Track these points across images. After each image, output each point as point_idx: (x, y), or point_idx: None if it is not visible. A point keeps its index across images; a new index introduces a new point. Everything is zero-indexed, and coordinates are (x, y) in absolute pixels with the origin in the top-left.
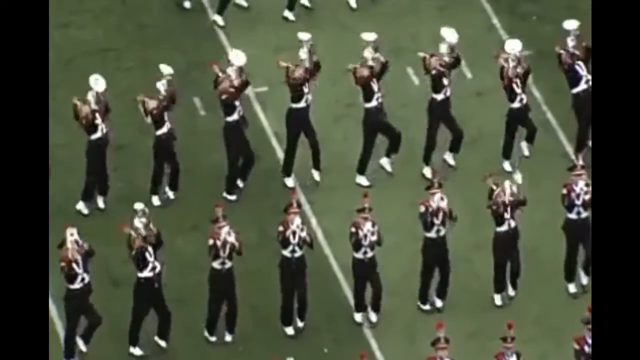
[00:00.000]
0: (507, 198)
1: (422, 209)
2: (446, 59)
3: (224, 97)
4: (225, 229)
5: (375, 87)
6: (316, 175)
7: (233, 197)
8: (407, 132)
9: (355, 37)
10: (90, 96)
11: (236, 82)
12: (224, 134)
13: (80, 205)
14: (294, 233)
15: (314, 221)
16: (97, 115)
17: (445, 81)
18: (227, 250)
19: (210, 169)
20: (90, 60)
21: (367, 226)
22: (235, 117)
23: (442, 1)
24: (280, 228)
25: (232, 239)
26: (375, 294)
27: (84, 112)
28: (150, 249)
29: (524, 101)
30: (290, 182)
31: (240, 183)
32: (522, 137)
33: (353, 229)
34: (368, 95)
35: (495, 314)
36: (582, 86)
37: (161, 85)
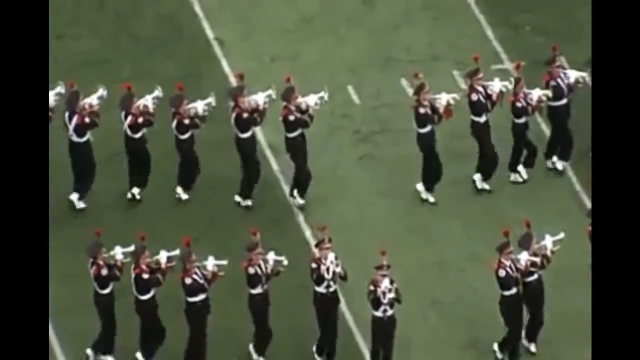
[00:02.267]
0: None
1: (314, 265)
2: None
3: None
4: (331, 256)
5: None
6: (299, 199)
7: (249, 202)
8: (400, 146)
9: (350, 48)
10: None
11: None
12: (241, 147)
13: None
14: (328, 269)
15: (308, 233)
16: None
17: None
18: (331, 275)
19: (206, 178)
20: (86, 71)
21: (385, 283)
22: (250, 133)
23: (437, 11)
24: (314, 265)
25: (337, 268)
26: (386, 357)
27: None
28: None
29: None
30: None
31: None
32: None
33: (371, 287)
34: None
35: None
36: (563, 101)
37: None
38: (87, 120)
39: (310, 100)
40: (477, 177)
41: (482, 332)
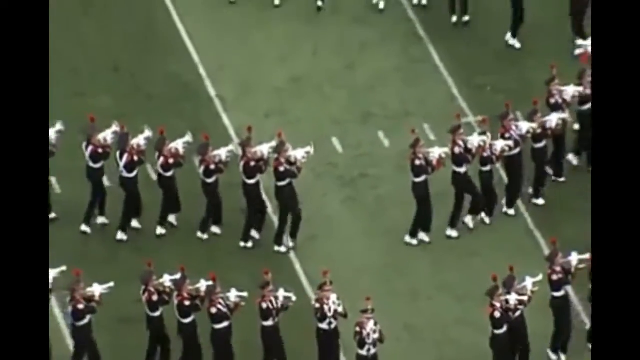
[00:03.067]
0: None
1: (317, 305)
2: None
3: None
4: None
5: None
6: (291, 242)
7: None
8: (378, 190)
9: (333, 104)
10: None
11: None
12: (248, 192)
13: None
14: (330, 309)
15: (298, 267)
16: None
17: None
18: (333, 313)
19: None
20: (104, 125)
21: (370, 325)
22: (256, 179)
23: (409, 74)
24: (317, 305)
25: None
26: None
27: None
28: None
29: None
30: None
31: (256, 234)
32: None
33: (357, 329)
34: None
35: None
36: (516, 150)
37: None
38: (135, 158)
39: (299, 153)
40: (468, 218)
41: (449, 352)
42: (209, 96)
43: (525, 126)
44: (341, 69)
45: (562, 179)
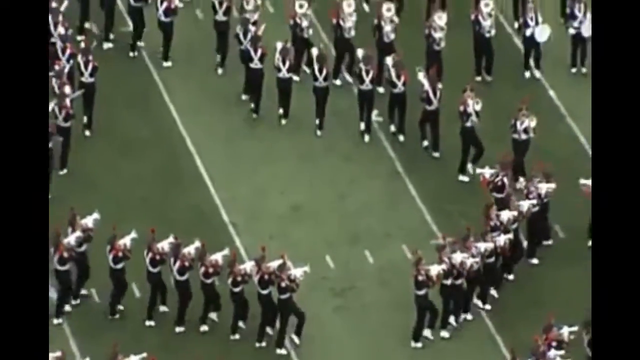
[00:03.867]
0: None
1: None
2: None
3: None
4: None
5: None
6: (297, 339)
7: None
8: (364, 299)
9: (327, 228)
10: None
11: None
12: (262, 301)
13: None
14: None
15: (293, 352)
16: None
17: None
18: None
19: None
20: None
21: None
22: (269, 290)
23: (389, 203)
24: None
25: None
26: None
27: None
28: None
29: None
30: None
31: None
32: None
33: None
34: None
35: None
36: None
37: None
38: (186, 264)
39: (298, 272)
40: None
41: None
42: (224, 222)
43: (482, 246)
44: (334, 198)
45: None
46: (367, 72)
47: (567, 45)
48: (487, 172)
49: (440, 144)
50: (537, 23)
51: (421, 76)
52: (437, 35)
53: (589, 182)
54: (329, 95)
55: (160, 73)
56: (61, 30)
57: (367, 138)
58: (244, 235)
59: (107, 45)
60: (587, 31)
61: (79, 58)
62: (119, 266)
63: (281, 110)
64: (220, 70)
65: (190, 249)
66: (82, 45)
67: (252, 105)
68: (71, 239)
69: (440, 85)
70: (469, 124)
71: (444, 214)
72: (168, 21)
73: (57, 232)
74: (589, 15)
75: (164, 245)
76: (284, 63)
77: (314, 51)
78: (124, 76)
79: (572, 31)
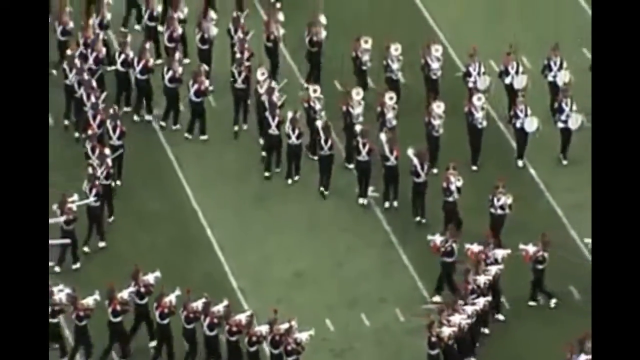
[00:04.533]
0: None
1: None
2: None
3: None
4: None
5: None
6: None
7: None
8: (361, 359)
9: (327, 292)
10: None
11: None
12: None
13: None
14: None
15: None
16: None
17: None
18: None
19: None
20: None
21: None
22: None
23: (383, 270)
24: None
25: None
26: None
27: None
28: None
29: None
30: None
31: None
32: None
33: None
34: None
35: None
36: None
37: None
38: (215, 320)
39: (303, 336)
40: None
41: None
42: (233, 287)
43: (469, 308)
44: (333, 266)
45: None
46: (364, 145)
47: (553, 135)
48: (438, 238)
49: (431, 215)
50: (526, 115)
51: (410, 152)
52: (436, 122)
53: (528, 247)
54: (333, 164)
55: (174, 149)
56: (92, 99)
57: (363, 201)
58: (251, 299)
59: (136, 118)
60: (573, 125)
61: (108, 123)
62: (165, 322)
63: (293, 173)
64: (245, 127)
65: (219, 308)
66: (111, 111)
67: (267, 164)
68: (124, 293)
69: (427, 162)
70: (450, 199)
71: (434, 280)
72: (199, 101)
73: (111, 287)
74: (574, 108)
75: (198, 304)
76: (293, 131)
77: (319, 123)
78: (142, 150)
79: (560, 125)
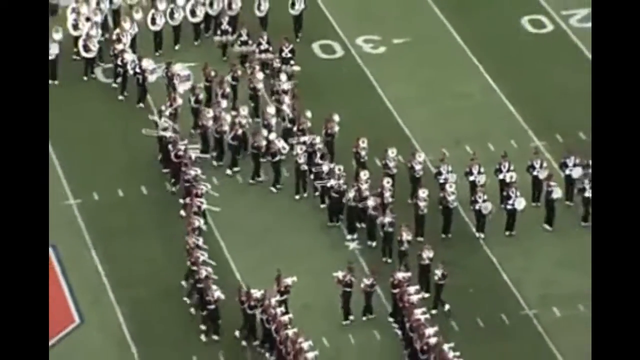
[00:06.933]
0: None
1: None
2: None
3: None
4: None
5: None
6: None
7: None
8: None
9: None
10: None
11: None
12: None
13: None
14: None
15: None
16: None
17: None
18: None
19: None
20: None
21: None
22: None
23: (381, 329)
24: None
25: None
26: None
27: None
28: None
29: None
30: None
31: None
32: None
33: None
34: None
35: None
36: None
37: None
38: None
39: (288, 280)
40: None
41: None
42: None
43: None
44: (336, 328)
45: None
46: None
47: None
48: (340, 274)
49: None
50: (516, 196)
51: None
52: (422, 204)
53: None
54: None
55: None
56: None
57: None
58: None
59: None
60: (575, 174)
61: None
62: (251, 312)
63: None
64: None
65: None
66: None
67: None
68: (272, 301)
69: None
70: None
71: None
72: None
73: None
74: (577, 162)
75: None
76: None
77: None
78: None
79: (567, 172)
